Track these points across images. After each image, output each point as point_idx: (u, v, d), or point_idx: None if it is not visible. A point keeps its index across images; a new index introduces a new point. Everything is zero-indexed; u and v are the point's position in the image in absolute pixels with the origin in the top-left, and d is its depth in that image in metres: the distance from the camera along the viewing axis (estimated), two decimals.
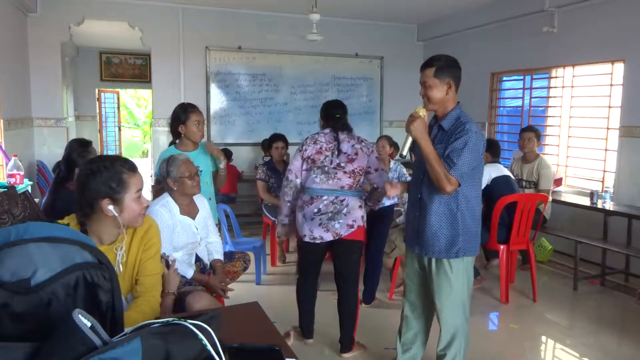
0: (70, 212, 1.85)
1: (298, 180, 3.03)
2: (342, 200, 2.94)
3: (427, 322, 2.66)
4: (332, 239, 2.94)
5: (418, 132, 2.28)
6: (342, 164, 2.94)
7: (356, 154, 2.97)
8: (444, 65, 2.36)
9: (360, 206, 3.01)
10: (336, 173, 2.93)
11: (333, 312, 3.21)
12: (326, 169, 2.94)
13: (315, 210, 2.94)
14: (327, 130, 3.02)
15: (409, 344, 2.67)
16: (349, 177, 2.95)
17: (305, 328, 3.25)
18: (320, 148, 2.96)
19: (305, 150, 2.99)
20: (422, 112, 2.32)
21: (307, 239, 2.97)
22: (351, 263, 3.05)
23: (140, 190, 1.79)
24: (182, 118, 3.16)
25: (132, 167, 1.78)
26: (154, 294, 1.96)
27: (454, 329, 2.42)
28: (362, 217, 3.00)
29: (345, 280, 3.07)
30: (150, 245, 1.94)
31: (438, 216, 2.36)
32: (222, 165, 3.25)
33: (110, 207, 1.70)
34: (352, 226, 2.95)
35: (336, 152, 2.94)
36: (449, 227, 2.35)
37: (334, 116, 3.03)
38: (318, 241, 2.95)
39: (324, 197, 2.94)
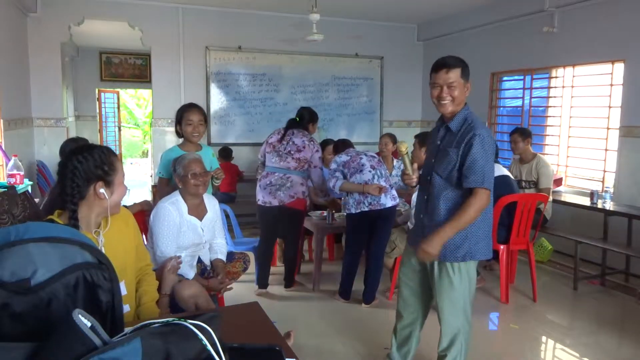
0: None
1: (262, 159, 4.16)
2: (288, 177, 3.98)
3: (421, 319, 2.65)
4: (277, 204, 3.97)
5: (438, 249, 2.26)
6: (292, 152, 3.98)
7: (304, 147, 3.99)
8: (466, 67, 2.36)
9: (302, 183, 4.04)
10: (286, 157, 3.98)
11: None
12: (280, 153, 3.99)
13: (268, 182, 4.00)
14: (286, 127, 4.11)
15: (403, 340, 2.69)
16: (295, 162, 3.98)
17: (261, 280, 4.15)
18: (281, 138, 4.03)
19: (271, 137, 4.11)
20: (404, 147, 2.32)
21: (259, 202, 4.05)
22: (291, 224, 4.13)
23: (124, 174, 1.86)
24: (178, 117, 3.23)
25: (115, 153, 1.86)
26: (153, 275, 2.15)
27: (455, 330, 2.41)
28: (303, 192, 4.06)
29: (287, 237, 4.23)
30: (138, 232, 2.06)
31: (441, 221, 2.32)
32: (216, 183, 3.28)
33: (102, 190, 1.74)
34: (292, 197, 3.99)
35: (291, 143, 3.98)
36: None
37: (293, 119, 4.16)
38: (267, 205, 4.00)
39: (276, 174, 3.99)
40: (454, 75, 2.30)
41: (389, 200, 3.79)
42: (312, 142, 4.03)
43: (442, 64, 2.32)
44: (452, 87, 2.30)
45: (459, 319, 2.40)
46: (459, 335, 2.41)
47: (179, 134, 3.25)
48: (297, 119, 4.13)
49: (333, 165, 3.93)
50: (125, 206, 2.81)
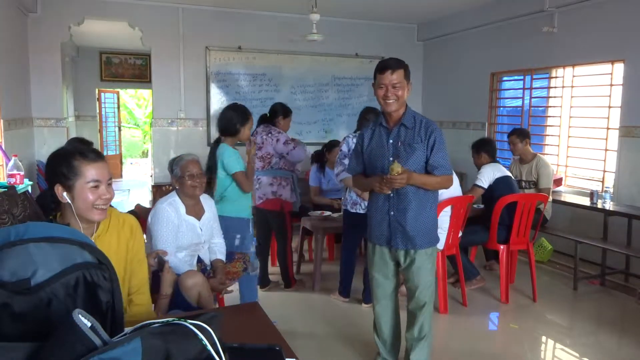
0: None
1: None
2: (258, 179, 3.95)
3: (398, 311, 2.86)
4: (252, 204, 3.81)
5: (410, 181, 2.47)
6: (256, 152, 3.80)
7: (262, 143, 3.91)
8: (408, 69, 2.55)
9: (270, 183, 3.96)
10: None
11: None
12: None
13: None
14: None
15: (387, 337, 2.83)
16: (260, 161, 3.92)
17: (260, 279, 4.06)
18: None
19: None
20: (399, 169, 2.40)
21: None
22: (274, 225, 4.09)
23: (98, 181, 1.69)
24: (242, 120, 3.39)
25: (88, 156, 1.71)
26: (144, 291, 1.97)
27: (427, 317, 2.69)
28: (273, 191, 3.96)
29: (276, 236, 4.20)
30: (139, 248, 1.93)
31: (418, 212, 2.56)
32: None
33: (64, 194, 1.68)
34: (262, 198, 3.98)
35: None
36: (427, 219, 2.60)
37: (263, 114, 4.19)
38: None
39: None
40: (398, 76, 2.49)
41: None
42: (269, 135, 3.95)
43: (386, 66, 2.50)
44: (397, 87, 2.49)
45: (432, 303, 2.71)
46: (426, 321, 2.68)
47: (233, 132, 3.42)
48: (268, 114, 4.17)
49: (344, 148, 3.73)
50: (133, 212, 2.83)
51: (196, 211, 2.81)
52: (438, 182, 2.56)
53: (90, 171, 1.69)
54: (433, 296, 2.74)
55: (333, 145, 4.99)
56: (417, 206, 2.56)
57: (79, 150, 1.72)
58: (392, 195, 2.57)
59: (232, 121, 3.36)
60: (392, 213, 2.60)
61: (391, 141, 2.57)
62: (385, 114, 2.60)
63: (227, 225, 3.26)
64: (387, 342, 2.84)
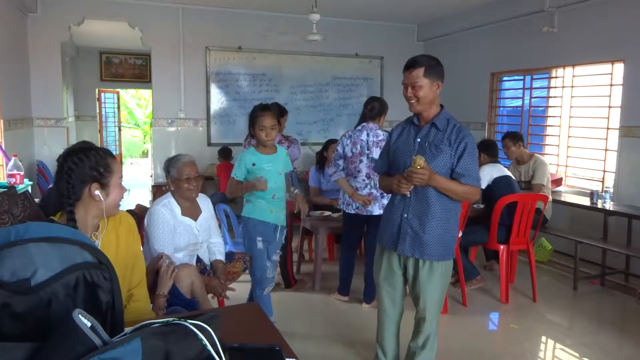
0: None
1: None
2: None
3: (400, 319, 2.71)
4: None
5: (432, 182, 2.27)
6: None
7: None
8: (433, 65, 2.36)
9: None
10: None
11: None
12: None
13: None
14: None
15: (387, 346, 2.72)
16: None
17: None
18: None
19: None
20: (422, 162, 2.23)
21: None
22: None
23: (121, 176, 1.83)
24: (251, 120, 3.17)
25: (112, 154, 1.83)
26: (142, 285, 1.98)
27: (432, 329, 2.53)
28: None
29: None
30: (136, 243, 1.96)
31: (436, 220, 2.36)
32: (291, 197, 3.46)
33: (97, 191, 1.72)
34: None
35: None
36: (445, 230, 2.38)
37: None
38: None
39: None
40: (417, 74, 2.32)
41: (376, 209, 3.67)
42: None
43: (407, 64, 2.37)
44: (416, 87, 2.34)
45: (437, 319, 2.52)
46: (432, 334, 2.53)
47: (252, 136, 3.25)
48: None
49: (339, 149, 3.74)
50: (133, 212, 2.81)
51: (192, 212, 2.79)
52: (464, 192, 2.32)
53: (118, 168, 1.80)
54: (440, 308, 2.54)
55: (331, 143, 4.99)
56: (437, 213, 2.34)
57: (101, 149, 1.81)
58: (410, 195, 2.38)
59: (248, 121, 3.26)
60: (405, 215, 2.40)
61: (419, 140, 2.39)
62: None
63: (246, 225, 3.19)
64: (389, 354, 2.74)
